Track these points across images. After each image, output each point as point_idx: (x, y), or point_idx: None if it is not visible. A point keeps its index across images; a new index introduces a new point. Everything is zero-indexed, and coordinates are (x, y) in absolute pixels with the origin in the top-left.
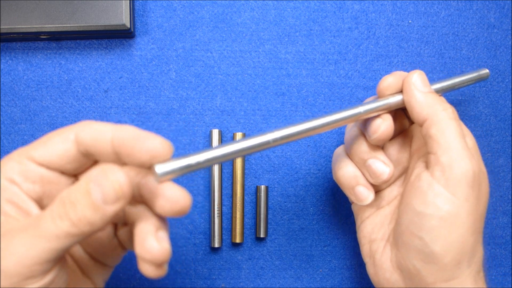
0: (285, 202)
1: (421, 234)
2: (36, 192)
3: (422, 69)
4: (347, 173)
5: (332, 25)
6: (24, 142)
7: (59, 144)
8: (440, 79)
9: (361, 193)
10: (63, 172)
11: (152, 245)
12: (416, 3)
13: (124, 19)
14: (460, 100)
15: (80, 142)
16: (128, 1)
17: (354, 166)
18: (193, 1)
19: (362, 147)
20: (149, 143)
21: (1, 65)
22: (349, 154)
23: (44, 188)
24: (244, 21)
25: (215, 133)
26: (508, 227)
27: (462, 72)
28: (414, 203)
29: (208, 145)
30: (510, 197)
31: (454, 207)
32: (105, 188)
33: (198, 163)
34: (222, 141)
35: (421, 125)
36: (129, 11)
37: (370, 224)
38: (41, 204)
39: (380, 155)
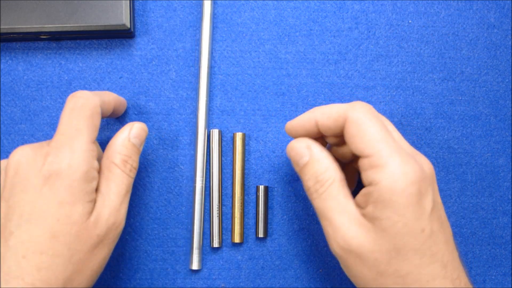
0: (285, 202)
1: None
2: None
3: (422, 69)
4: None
5: (332, 25)
6: (24, 142)
7: (98, 119)
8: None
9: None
10: None
11: None
12: (416, 3)
13: (124, 19)
14: (460, 100)
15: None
16: (128, 1)
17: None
18: (193, 1)
19: None
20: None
21: (1, 65)
22: None
23: None
24: (244, 21)
25: (215, 133)
26: (508, 227)
27: (462, 73)
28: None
29: (208, 146)
30: (510, 197)
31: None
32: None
33: None
34: (222, 141)
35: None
36: (129, 11)
37: None
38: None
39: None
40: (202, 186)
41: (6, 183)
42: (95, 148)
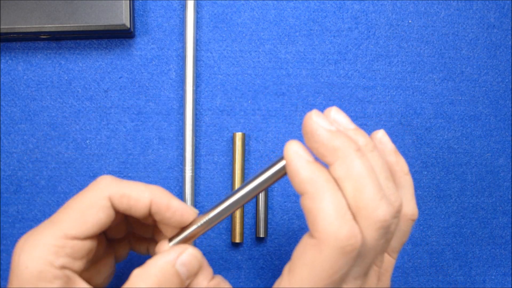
0: (285, 202)
1: None
2: (82, 263)
3: (422, 69)
4: None
5: (332, 25)
6: (24, 142)
7: (98, 215)
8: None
9: None
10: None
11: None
12: (416, 3)
13: (124, 19)
14: (460, 100)
15: (116, 209)
16: (128, 1)
17: None
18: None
19: None
20: (180, 210)
21: (1, 65)
22: None
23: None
24: (244, 21)
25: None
26: (508, 227)
27: (462, 73)
28: None
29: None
30: (510, 197)
31: None
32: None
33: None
34: (222, 141)
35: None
36: (129, 11)
37: None
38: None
39: None
40: (191, 175)
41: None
42: (74, 245)
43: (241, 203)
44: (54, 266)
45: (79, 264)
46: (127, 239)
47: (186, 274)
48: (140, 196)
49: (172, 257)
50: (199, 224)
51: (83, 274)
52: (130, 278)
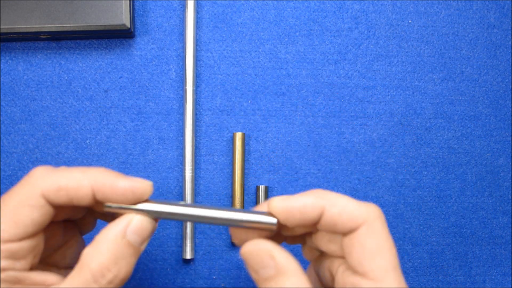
0: None
1: None
2: (28, 261)
3: (422, 69)
4: None
5: (332, 25)
6: (24, 142)
7: (31, 215)
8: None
9: None
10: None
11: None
12: (416, 3)
13: (124, 19)
14: (460, 100)
15: (55, 204)
16: (128, 1)
17: None
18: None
19: None
20: (130, 188)
21: (1, 65)
22: None
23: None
24: (244, 21)
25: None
26: (508, 227)
27: (462, 73)
28: None
29: (212, 145)
30: (510, 197)
31: None
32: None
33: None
34: (222, 141)
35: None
36: (129, 11)
37: None
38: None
39: None
40: (191, 175)
41: None
42: (9, 248)
43: (198, 221)
44: None
45: (24, 263)
46: (90, 213)
47: (139, 241)
48: (79, 185)
49: (121, 228)
50: (139, 207)
51: (48, 259)
52: (81, 259)
